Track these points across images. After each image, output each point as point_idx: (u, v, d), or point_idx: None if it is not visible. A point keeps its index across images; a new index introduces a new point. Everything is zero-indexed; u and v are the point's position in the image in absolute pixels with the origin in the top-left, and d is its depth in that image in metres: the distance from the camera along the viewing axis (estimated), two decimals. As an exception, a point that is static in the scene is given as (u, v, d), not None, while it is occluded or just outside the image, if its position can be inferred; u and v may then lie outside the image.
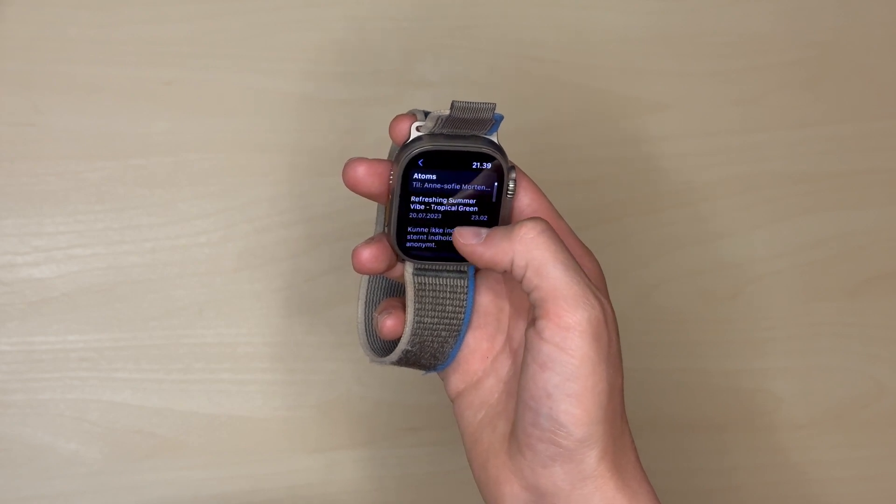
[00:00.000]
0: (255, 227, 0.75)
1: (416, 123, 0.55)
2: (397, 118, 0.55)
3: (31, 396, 0.72)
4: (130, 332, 0.73)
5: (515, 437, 0.54)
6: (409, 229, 0.56)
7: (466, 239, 0.55)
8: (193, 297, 0.74)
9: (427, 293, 0.56)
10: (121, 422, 0.73)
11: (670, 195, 0.80)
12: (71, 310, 0.73)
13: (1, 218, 0.72)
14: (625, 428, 0.55)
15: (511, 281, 0.58)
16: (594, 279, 0.57)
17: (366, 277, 0.61)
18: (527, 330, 0.54)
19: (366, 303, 0.61)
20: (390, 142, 0.57)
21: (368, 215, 0.61)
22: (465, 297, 0.57)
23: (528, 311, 0.56)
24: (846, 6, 0.83)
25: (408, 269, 0.56)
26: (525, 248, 0.53)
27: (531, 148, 0.78)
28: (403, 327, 0.57)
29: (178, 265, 0.74)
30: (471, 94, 0.78)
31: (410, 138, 0.55)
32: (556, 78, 0.79)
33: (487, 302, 0.58)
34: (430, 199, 0.55)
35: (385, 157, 0.58)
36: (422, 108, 0.56)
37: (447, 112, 0.53)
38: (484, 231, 0.55)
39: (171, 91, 0.75)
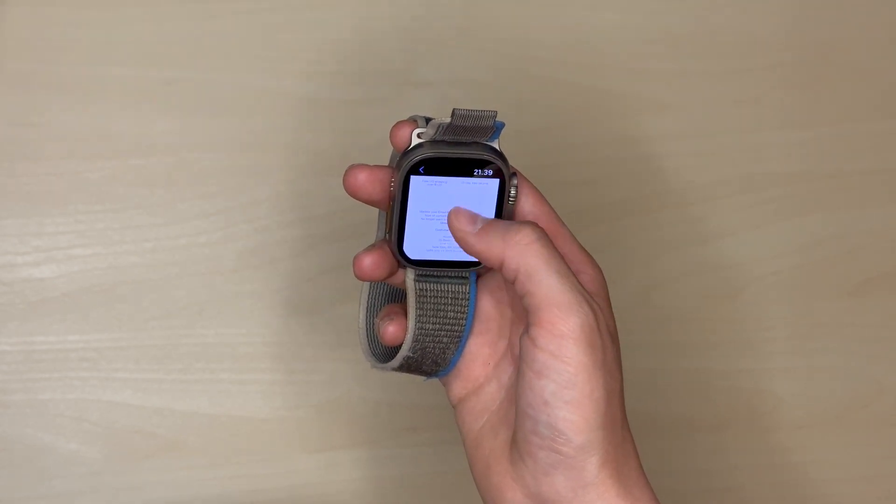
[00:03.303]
0: (255, 227, 0.75)
1: (418, 130, 0.55)
2: (398, 124, 0.55)
3: (31, 396, 0.72)
4: (130, 332, 0.73)
5: (516, 445, 0.54)
6: (410, 236, 0.56)
7: (461, 223, 0.55)
8: (193, 297, 0.74)
9: (428, 299, 0.56)
10: (121, 422, 0.73)
11: (670, 195, 0.80)
12: (71, 310, 0.73)
13: (1, 218, 0.72)
14: (626, 435, 0.55)
15: (512, 287, 0.58)
16: (595, 287, 0.57)
17: (367, 283, 0.60)
18: (521, 337, 0.54)
19: (367, 309, 0.60)
20: (391, 143, 0.57)
21: (369, 216, 0.61)
22: (466, 303, 0.57)
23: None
24: (846, 6, 0.83)
25: (409, 276, 0.56)
26: (518, 254, 0.53)
27: (531, 148, 0.78)
28: (405, 333, 0.57)
29: (178, 265, 0.74)
30: (471, 94, 0.77)
31: (412, 145, 0.55)
32: (556, 78, 0.79)
33: (489, 308, 0.58)
34: (432, 206, 0.55)
35: (385, 159, 0.58)
36: (423, 114, 0.56)
37: (448, 119, 0.53)
38: (480, 220, 0.55)
39: (171, 91, 0.74)
